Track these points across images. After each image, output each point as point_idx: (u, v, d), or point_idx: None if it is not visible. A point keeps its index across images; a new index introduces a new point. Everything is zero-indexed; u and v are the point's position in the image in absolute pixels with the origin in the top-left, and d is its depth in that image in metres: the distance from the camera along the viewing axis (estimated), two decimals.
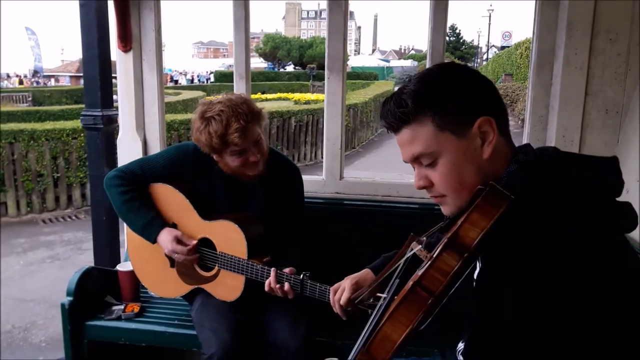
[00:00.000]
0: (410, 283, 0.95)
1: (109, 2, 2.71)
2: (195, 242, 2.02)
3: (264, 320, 2.01)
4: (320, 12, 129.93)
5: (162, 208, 2.09)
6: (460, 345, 1.19)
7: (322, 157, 11.95)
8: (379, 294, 1.74)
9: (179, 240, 2.00)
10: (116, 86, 2.84)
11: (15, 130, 7.28)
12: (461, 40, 68.52)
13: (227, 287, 1.99)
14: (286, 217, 2.10)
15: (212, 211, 2.05)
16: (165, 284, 2.16)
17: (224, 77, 39.83)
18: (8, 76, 39.56)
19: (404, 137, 1.05)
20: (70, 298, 2.19)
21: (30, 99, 21.91)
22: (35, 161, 7.28)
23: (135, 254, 2.22)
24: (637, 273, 0.88)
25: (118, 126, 2.87)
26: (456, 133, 1.01)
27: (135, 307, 2.28)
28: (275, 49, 50.62)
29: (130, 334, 2.20)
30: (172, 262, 2.11)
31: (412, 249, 1.05)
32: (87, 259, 5.54)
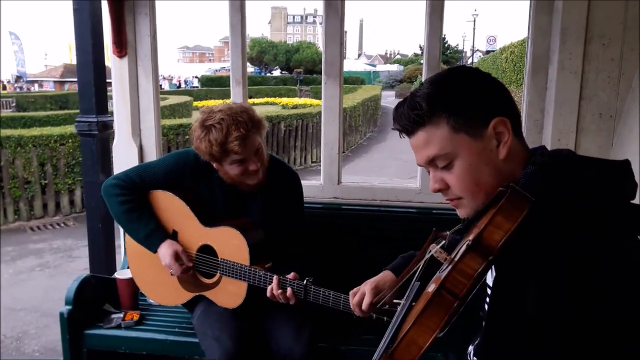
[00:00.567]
0: (434, 286, 0.94)
1: (103, 7, 2.69)
2: (191, 264, 2.04)
3: (266, 327, 2.01)
4: (306, 17, 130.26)
5: (162, 215, 2.08)
6: (471, 348, 1.20)
7: (312, 162, 11.99)
8: (395, 300, 1.76)
9: (177, 257, 2.01)
10: (111, 92, 2.83)
11: (2, 137, 7.18)
12: (446, 45, 68.99)
13: (229, 294, 1.98)
14: (286, 223, 2.10)
15: (212, 218, 2.04)
16: (165, 292, 2.14)
17: (210, 82, 39.76)
18: None
19: (418, 140, 1.05)
20: (69, 307, 2.16)
21: (14, 104, 21.65)
22: (22, 168, 7.18)
23: (134, 262, 2.20)
24: None
25: (113, 132, 2.85)
26: (471, 134, 1.01)
27: (135, 315, 2.26)
28: (262, 53, 50.58)
29: (130, 343, 2.18)
30: None
31: (430, 251, 1.05)
32: (78, 267, 5.49)
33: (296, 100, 21.80)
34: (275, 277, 1.85)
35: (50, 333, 3.83)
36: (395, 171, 10.62)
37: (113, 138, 2.83)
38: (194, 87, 35.77)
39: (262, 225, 2.04)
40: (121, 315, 2.27)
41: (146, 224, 2.05)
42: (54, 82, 40.16)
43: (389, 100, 30.75)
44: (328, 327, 2.08)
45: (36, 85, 39.50)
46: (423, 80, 2.51)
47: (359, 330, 2.12)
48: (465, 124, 1.01)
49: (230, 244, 1.95)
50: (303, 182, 2.28)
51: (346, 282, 1.84)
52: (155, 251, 2.03)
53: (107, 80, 2.94)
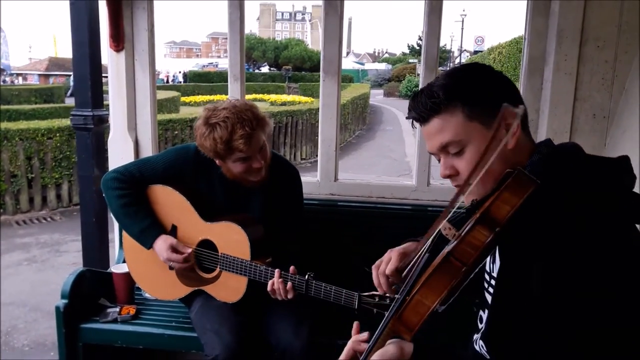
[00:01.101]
0: (444, 253, 0.98)
1: (100, 1, 2.67)
2: (190, 250, 2.02)
3: (266, 321, 2.02)
4: (295, 14, 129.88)
5: (161, 210, 2.08)
6: (476, 336, 1.23)
7: (301, 159, 12.00)
8: (387, 295, 1.77)
9: (174, 249, 2.00)
10: (106, 85, 2.81)
11: None
12: None
13: (229, 288, 1.99)
14: (286, 219, 2.11)
15: (212, 213, 2.05)
16: (163, 286, 2.14)
17: (197, 77, 39.47)
18: None
19: (433, 127, 1.11)
20: (65, 301, 2.15)
21: None
22: (8, 161, 7.08)
23: (132, 256, 2.20)
24: None
25: (108, 126, 2.83)
26: (484, 123, 1.07)
27: (131, 310, 2.25)
28: (250, 49, 50.35)
29: (127, 337, 2.18)
30: None
31: (439, 228, 1.07)
32: (65, 261, 5.45)
33: (284, 97, 21.81)
34: (277, 271, 1.86)
35: (40, 327, 3.79)
36: (384, 169, 10.67)
37: (108, 132, 2.81)
38: (179, 82, 35.46)
39: (262, 221, 2.05)
40: (117, 309, 2.26)
41: (142, 220, 2.04)
42: (39, 75, 39.58)
43: (378, 98, 30.87)
44: (326, 321, 2.10)
45: (20, 78, 38.89)
46: (420, 78, 2.56)
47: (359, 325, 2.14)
48: (479, 113, 1.07)
49: (231, 239, 1.95)
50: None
51: (342, 279, 1.87)
52: (149, 247, 2.03)
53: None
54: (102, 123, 2.77)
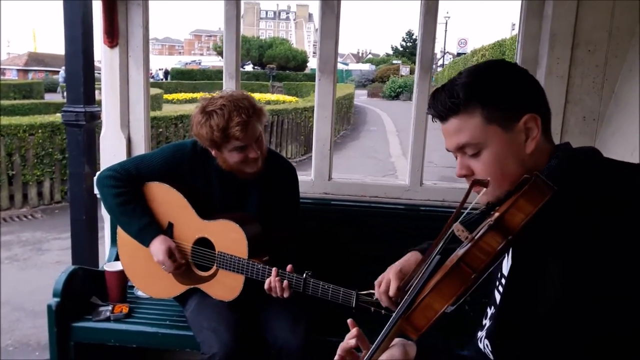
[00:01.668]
0: (454, 258, 0.99)
1: None
2: (183, 262, 2.03)
3: (262, 319, 2.02)
4: (279, 13, 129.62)
5: (158, 207, 2.06)
6: (481, 334, 1.24)
7: (287, 158, 12.03)
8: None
9: (170, 254, 2.00)
10: (99, 81, 2.77)
11: None
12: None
13: (226, 286, 1.98)
14: (282, 215, 2.11)
15: (209, 210, 2.04)
16: (158, 284, 2.12)
17: (180, 75, 39.12)
18: None
19: (451, 127, 1.10)
20: (57, 299, 2.12)
21: None
22: None
23: (126, 254, 2.18)
24: None
25: (100, 123, 2.80)
26: (503, 126, 1.06)
27: (124, 308, 2.23)
28: None
29: (120, 335, 2.16)
30: None
31: (452, 229, 1.08)
32: (48, 260, 5.36)
33: (269, 96, 21.72)
34: (274, 269, 1.86)
35: (23, 327, 3.72)
36: (368, 169, 10.70)
37: (99, 129, 2.78)
38: (160, 79, 35.11)
39: (258, 217, 2.05)
40: (109, 308, 2.24)
41: (140, 218, 2.03)
42: (17, 70, 38.85)
43: (362, 99, 30.97)
44: (322, 319, 2.11)
45: None
46: (415, 79, 2.58)
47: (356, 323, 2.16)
48: (499, 116, 1.06)
49: (229, 237, 1.94)
50: None
51: (335, 277, 1.87)
52: (147, 246, 2.02)
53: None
54: (94, 120, 2.73)
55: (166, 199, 2.05)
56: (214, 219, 2.00)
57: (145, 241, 2.02)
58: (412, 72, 41.13)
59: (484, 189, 1.10)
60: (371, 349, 1.10)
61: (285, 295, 1.86)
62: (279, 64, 43.59)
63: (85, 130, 2.71)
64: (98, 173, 2.14)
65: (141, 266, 2.14)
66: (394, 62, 52.82)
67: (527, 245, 1.02)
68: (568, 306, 0.96)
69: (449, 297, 0.97)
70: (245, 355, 1.91)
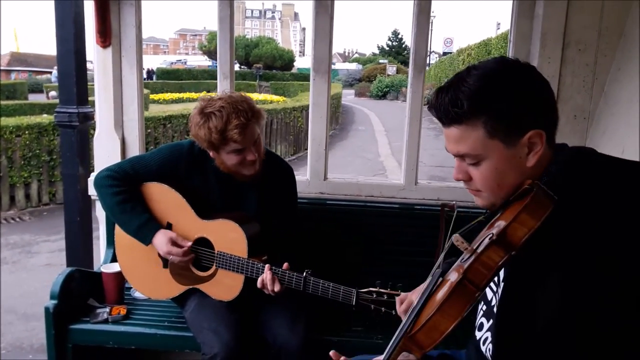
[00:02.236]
0: (457, 276, 0.98)
1: None
2: (189, 243, 2.01)
3: (261, 319, 2.02)
4: (265, 12, 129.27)
5: (156, 207, 2.06)
6: (480, 334, 1.24)
7: None
8: (392, 292, 1.81)
9: (174, 242, 1.98)
10: (91, 81, 2.76)
11: None
12: (403, 46, 70.22)
13: (225, 286, 1.99)
14: (281, 216, 2.12)
15: (207, 210, 2.04)
16: (157, 285, 2.12)
17: (165, 75, 38.83)
18: None
19: (451, 133, 1.07)
20: (54, 301, 2.10)
21: None
22: None
23: (124, 255, 2.17)
24: None
25: (93, 123, 2.78)
26: (505, 142, 1.03)
27: (122, 310, 2.22)
28: None
29: (118, 337, 2.15)
30: (166, 263, 2.07)
31: (450, 240, 1.08)
32: (38, 263, 5.30)
33: (256, 96, 21.66)
34: (267, 267, 1.88)
35: (15, 330, 3.68)
36: (358, 169, 10.73)
37: (93, 129, 2.76)
38: (144, 79, 34.79)
39: (257, 217, 2.05)
40: (107, 309, 2.23)
41: (138, 216, 2.02)
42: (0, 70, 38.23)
43: (349, 98, 31.01)
44: (321, 318, 2.12)
45: None
46: (409, 78, 2.60)
47: (351, 322, 2.18)
48: (502, 131, 1.02)
49: (228, 236, 1.95)
50: None
51: (332, 276, 1.89)
52: (148, 243, 2.01)
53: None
54: (87, 120, 2.72)
55: (164, 199, 2.05)
56: (213, 219, 2.00)
57: (147, 238, 2.01)
58: (398, 71, 41.31)
59: (482, 194, 1.11)
60: None
61: (277, 289, 1.86)
62: (265, 63, 43.54)
63: (78, 131, 2.70)
64: (95, 174, 2.13)
65: (140, 267, 2.13)
66: (381, 61, 53.00)
67: (527, 256, 0.99)
68: (567, 317, 0.95)
69: (455, 316, 0.96)
70: (245, 355, 1.92)
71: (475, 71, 1.04)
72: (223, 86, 2.67)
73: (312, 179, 2.69)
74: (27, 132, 7.31)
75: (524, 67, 1.06)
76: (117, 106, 2.66)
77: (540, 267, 0.99)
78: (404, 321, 1.09)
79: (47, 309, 2.10)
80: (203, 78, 35.85)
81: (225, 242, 1.97)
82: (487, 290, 1.21)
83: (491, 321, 1.18)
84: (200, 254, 2.04)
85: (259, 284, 1.89)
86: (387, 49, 71.37)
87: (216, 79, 2.75)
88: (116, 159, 2.61)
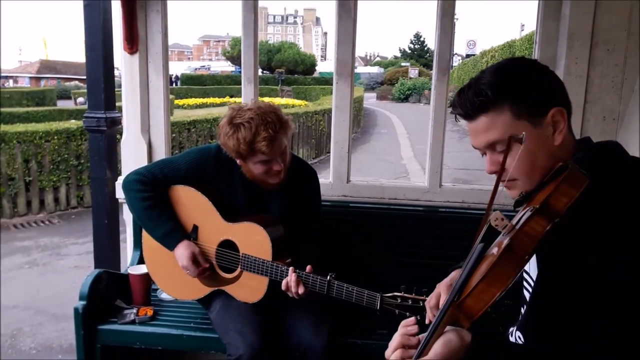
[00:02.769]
0: (503, 245, 0.99)
1: (113, 3, 2.68)
2: (207, 265, 2.06)
3: (286, 321, 2.03)
4: (287, 17, 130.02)
5: (183, 210, 2.09)
6: (512, 329, 1.25)
7: None
8: (417, 297, 1.79)
9: (194, 259, 2.03)
10: (119, 87, 2.82)
11: None
12: (425, 48, 69.86)
13: (250, 288, 2.01)
14: (305, 220, 2.13)
15: (233, 213, 2.06)
16: (183, 287, 2.15)
17: (190, 80, 39.43)
18: None
19: (480, 125, 1.11)
20: (83, 302, 2.15)
21: None
22: (6, 164, 7.03)
23: (151, 256, 2.21)
24: None
25: (120, 128, 2.84)
26: (532, 121, 1.08)
27: (149, 311, 2.26)
28: None
29: (145, 338, 2.18)
30: None
31: (489, 219, 1.07)
32: (67, 265, 5.43)
33: (278, 100, 21.81)
34: (291, 270, 1.88)
35: (45, 331, 3.77)
36: (380, 172, 10.69)
37: (120, 134, 2.82)
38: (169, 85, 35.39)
39: (281, 221, 2.07)
40: (134, 310, 2.27)
41: (165, 223, 2.06)
42: (30, 78, 39.33)
43: (370, 102, 30.98)
44: (345, 321, 2.12)
45: (11, 81, 38.61)
46: (433, 81, 2.58)
47: (374, 324, 2.17)
48: (527, 111, 1.08)
49: (253, 239, 1.97)
50: None
51: (355, 279, 1.88)
52: (172, 250, 2.05)
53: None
54: (114, 125, 2.77)
55: (191, 202, 2.08)
56: (238, 222, 2.02)
57: (170, 246, 2.06)
58: (420, 74, 41.08)
59: (517, 183, 1.12)
60: (425, 337, 1.08)
61: (301, 291, 1.87)
62: (287, 68, 43.79)
63: (106, 136, 2.75)
64: (124, 176, 2.18)
65: (166, 269, 2.17)
66: (402, 64, 52.79)
67: (557, 240, 1.01)
68: (603, 299, 0.97)
69: (504, 280, 0.97)
70: (270, 357, 1.93)
71: (488, 69, 1.13)
72: (247, 91, 2.70)
73: (335, 181, 2.70)
74: (56, 137, 7.50)
75: (529, 59, 1.17)
76: (144, 111, 2.71)
77: (574, 250, 1.01)
78: (448, 294, 1.08)
79: (76, 310, 2.14)
80: (226, 83, 36.29)
81: (249, 245, 1.99)
82: (524, 292, 1.22)
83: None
84: (225, 256, 2.06)
85: (283, 287, 1.90)
86: (409, 51, 71.07)
87: (239, 84, 2.78)
88: (143, 162, 2.66)
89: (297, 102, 21.82)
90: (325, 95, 20.98)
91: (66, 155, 7.61)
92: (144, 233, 2.18)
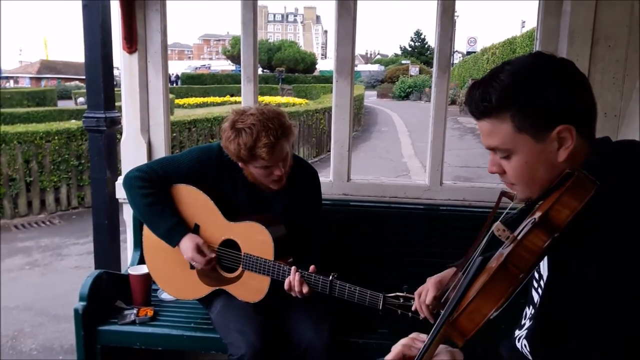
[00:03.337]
0: (499, 259, 0.96)
1: (112, 3, 2.67)
2: (214, 255, 2.04)
3: (287, 320, 2.03)
4: (287, 16, 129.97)
5: (184, 209, 2.08)
6: (518, 333, 1.23)
7: None
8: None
9: (199, 249, 2.01)
10: (118, 86, 2.81)
11: None
12: (426, 46, 69.75)
13: (251, 288, 2.00)
14: (306, 220, 2.12)
15: (234, 212, 2.05)
16: (184, 286, 2.14)
17: (190, 80, 39.40)
18: None
19: (483, 127, 1.09)
20: (83, 303, 2.14)
21: None
22: (7, 165, 7.03)
23: (151, 256, 2.20)
24: None
25: (120, 128, 2.83)
26: (534, 136, 1.03)
27: (149, 311, 2.25)
28: None
29: (146, 338, 2.18)
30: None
31: (492, 229, 1.05)
32: (68, 265, 5.42)
33: (278, 99, 21.81)
34: (293, 269, 1.88)
35: (46, 332, 3.77)
36: (381, 170, 10.68)
37: (120, 134, 2.81)
38: (170, 84, 35.42)
39: (282, 221, 2.06)
40: (134, 311, 2.26)
41: (168, 218, 2.05)
42: (30, 78, 39.35)
43: (371, 100, 30.95)
44: (345, 320, 2.11)
45: (11, 81, 38.64)
46: (433, 79, 2.57)
47: (375, 324, 2.16)
48: (530, 125, 1.03)
49: (255, 239, 1.96)
50: None
51: (357, 278, 1.88)
52: (175, 245, 2.04)
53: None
54: (114, 125, 2.76)
55: (193, 201, 2.07)
56: (240, 221, 2.01)
57: (174, 241, 2.04)
58: (421, 71, 41.04)
59: (516, 187, 1.10)
60: (417, 356, 1.07)
61: (305, 290, 1.86)
62: (287, 66, 43.77)
63: (106, 136, 2.74)
64: (125, 173, 2.17)
65: (167, 268, 2.16)
66: (403, 62, 52.76)
67: (568, 244, 0.98)
68: (611, 308, 0.94)
69: (497, 299, 0.94)
70: (271, 356, 1.92)
71: (508, 67, 1.06)
72: (247, 90, 2.69)
73: (335, 180, 2.69)
74: (56, 137, 7.49)
75: (557, 62, 1.07)
76: (144, 111, 2.70)
77: (583, 257, 0.97)
78: (443, 311, 1.06)
79: (76, 311, 2.14)
80: (227, 82, 36.25)
81: (251, 244, 1.98)
82: (533, 292, 1.19)
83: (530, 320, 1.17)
84: (227, 256, 2.05)
85: (286, 286, 1.89)
86: (410, 49, 70.97)
87: (240, 83, 2.78)
88: (142, 162, 2.63)
89: (297, 100, 21.78)
90: (325, 93, 20.95)
91: (67, 156, 7.60)
92: (144, 233, 2.17)
